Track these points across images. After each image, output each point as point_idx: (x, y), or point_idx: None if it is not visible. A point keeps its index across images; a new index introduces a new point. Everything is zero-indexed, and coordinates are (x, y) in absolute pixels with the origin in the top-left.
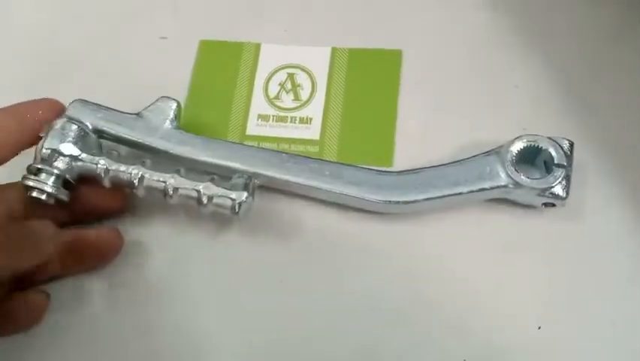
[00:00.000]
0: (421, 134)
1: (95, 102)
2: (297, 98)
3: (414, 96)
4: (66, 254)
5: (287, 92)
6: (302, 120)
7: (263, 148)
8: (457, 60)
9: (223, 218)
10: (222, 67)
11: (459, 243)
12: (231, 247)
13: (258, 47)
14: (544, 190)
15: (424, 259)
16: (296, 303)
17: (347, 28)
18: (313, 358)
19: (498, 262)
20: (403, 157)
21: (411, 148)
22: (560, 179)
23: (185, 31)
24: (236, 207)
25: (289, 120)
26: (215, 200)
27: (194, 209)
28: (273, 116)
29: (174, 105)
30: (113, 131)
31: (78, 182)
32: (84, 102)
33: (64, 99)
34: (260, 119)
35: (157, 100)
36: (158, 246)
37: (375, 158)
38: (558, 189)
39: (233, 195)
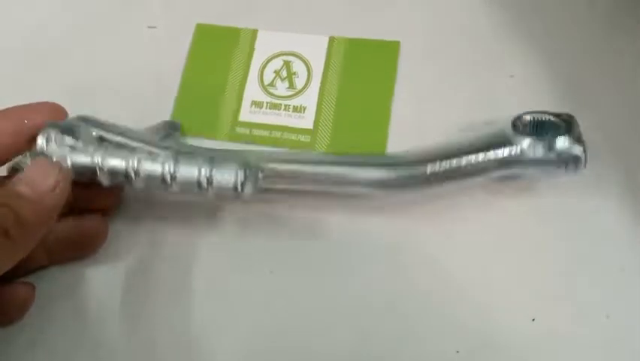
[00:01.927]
0: (415, 127)
1: (96, 118)
2: (291, 86)
3: (409, 88)
4: (53, 244)
5: (282, 80)
6: (296, 109)
7: (264, 147)
8: (453, 51)
9: (218, 211)
10: (218, 52)
11: (452, 234)
12: (223, 242)
13: (254, 33)
14: (561, 152)
15: (416, 252)
16: (288, 298)
17: (345, 17)
18: (309, 352)
19: (491, 254)
20: (396, 149)
21: (404, 141)
22: (578, 136)
23: (179, 17)
24: (239, 186)
25: (283, 108)
26: (215, 182)
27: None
28: (267, 103)
29: (178, 126)
30: (111, 137)
31: (84, 199)
32: (86, 118)
33: (50, 90)
34: (253, 106)
35: (158, 123)
36: (146, 238)
37: (368, 149)
38: (576, 150)
39: (233, 174)
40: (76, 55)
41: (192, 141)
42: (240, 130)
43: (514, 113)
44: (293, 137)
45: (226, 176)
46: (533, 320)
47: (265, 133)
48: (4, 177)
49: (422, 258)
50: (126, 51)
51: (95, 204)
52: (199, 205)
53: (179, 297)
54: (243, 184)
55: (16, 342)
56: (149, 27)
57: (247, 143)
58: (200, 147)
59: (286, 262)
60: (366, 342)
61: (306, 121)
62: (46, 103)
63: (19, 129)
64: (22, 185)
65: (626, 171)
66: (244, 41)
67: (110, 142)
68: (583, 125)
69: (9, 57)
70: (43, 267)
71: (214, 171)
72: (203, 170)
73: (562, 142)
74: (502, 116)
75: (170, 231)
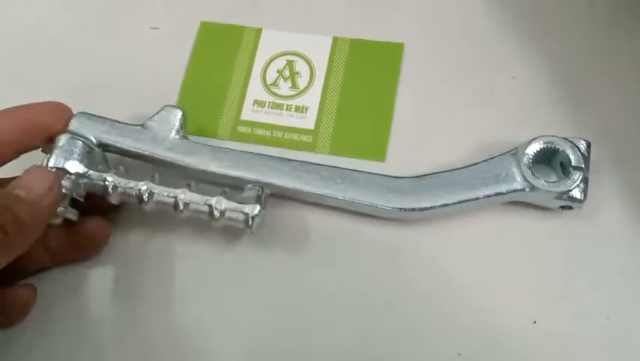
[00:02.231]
0: (417, 129)
1: (98, 115)
2: (294, 86)
3: (412, 90)
4: (55, 246)
5: (285, 80)
6: (298, 109)
7: (272, 156)
8: (455, 52)
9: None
10: (221, 50)
11: (453, 236)
12: (223, 243)
13: (259, 31)
14: (561, 194)
15: (417, 252)
16: (298, 303)
17: (349, 18)
18: (309, 352)
19: (492, 255)
20: (397, 152)
21: (405, 143)
22: (577, 182)
23: (182, 16)
24: (250, 220)
25: (285, 108)
26: (227, 214)
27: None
28: (269, 102)
29: (179, 114)
30: (118, 145)
31: (86, 199)
32: (87, 115)
33: (51, 91)
34: (255, 105)
35: (161, 109)
36: (147, 240)
37: (369, 151)
38: (576, 193)
39: (247, 209)
40: (77, 56)
41: (194, 139)
42: (241, 129)
43: (516, 114)
44: (294, 137)
45: (239, 213)
46: (534, 321)
47: (267, 133)
48: (2, 180)
49: (423, 259)
50: (127, 51)
51: (96, 206)
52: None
53: (180, 299)
54: (254, 219)
55: (16, 343)
56: (152, 28)
57: (248, 142)
58: (211, 147)
59: (286, 261)
60: (366, 343)
61: (308, 121)
62: (51, 102)
63: (19, 128)
64: (19, 189)
65: (627, 173)
66: (248, 40)
67: (113, 148)
68: (584, 126)
69: (10, 56)
70: (45, 268)
71: (226, 205)
72: (215, 203)
73: (561, 187)
74: (503, 117)
75: (172, 233)
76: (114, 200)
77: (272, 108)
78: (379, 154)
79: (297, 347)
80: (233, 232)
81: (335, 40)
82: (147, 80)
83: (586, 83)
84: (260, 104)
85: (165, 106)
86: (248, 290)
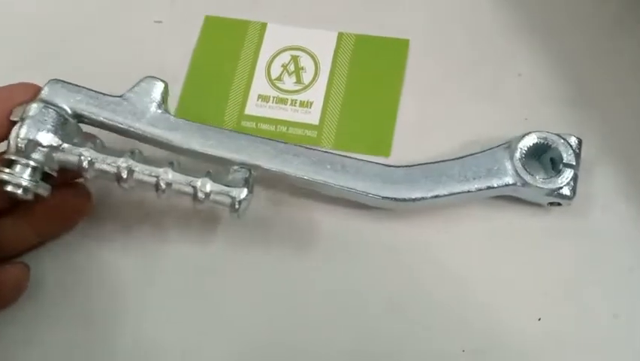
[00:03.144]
0: (422, 125)
1: (73, 83)
2: (299, 81)
3: (417, 86)
4: (39, 220)
5: (289, 75)
6: (302, 104)
7: (260, 137)
8: (461, 49)
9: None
10: (226, 44)
11: (457, 234)
12: (223, 242)
13: (264, 26)
14: (552, 191)
15: (421, 250)
16: (291, 299)
17: (354, 13)
18: (310, 351)
19: (498, 253)
20: (402, 147)
21: (410, 139)
22: (568, 180)
23: (186, 10)
24: (237, 204)
25: (289, 103)
26: (212, 197)
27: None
28: (274, 97)
29: (161, 86)
30: (94, 117)
31: (59, 173)
32: (61, 83)
33: None
34: (260, 100)
35: (141, 80)
36: (146, 239)
37: (373, 147)
38: (566, 190)
39: (233, 192)
40: (79, 49)
41: None
42: (245, 124)
43: (522, 111)
44: (299, 132)
45: (225, 196)
46: (539, 319)
47: (271, 127)
48: None
49: (427, 257)
50: (131, 45)
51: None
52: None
53: (180, 297)
54: (240, 203)
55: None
56: (156, 22)
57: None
58: (195, 123)
59: (286, 259)
60: (371, 341)
61: (313, 116)
62: (20, 83)
63: (3, 109)
64: None
65: (634, 170)
66: (253, 34)
67: (88, 119)
68: (590, 124)
69: (13, 50)
70: (33, 247)
71: (212, 188)
72: (199, 185)
73: (551, 184)
74: (508, 114)
75: (168, 233)
76: (89, 176)
77: (276, 103)
78: (384, 150)
79: (298, 346)
80: (230, 231)
81: (340, 35)
82: (150, 74)
83: (592, 81)
84: (264, 98)
85: (146, 77)
86: (247, 289)
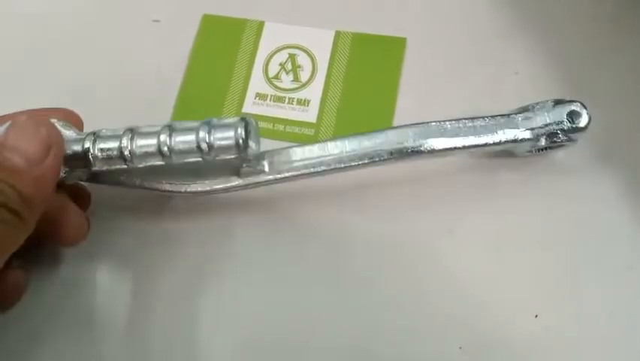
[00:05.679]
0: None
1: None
2: (296, 79)
3: (414, 84)
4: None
5: (287, 73)
6: (300, 102)
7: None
8: (458, 48)
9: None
10: (223, 43)
11: (455, 230)
12: (223, 242)
13: (261, 24)
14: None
15: (418, 247)
16: (297, 298)
17: (352, 12)
18: (310, 348)
19: (495, 250)
20: None
21: None
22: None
23: (184, 9)
24: (240, 141)
25: (287, 101)
26: (217, 144)
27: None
28: (271, 95)
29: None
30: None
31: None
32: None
33: (51, 84)
34: (257, 98)
35: None
36: (147, 238)
37: None
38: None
39: (232, 132)
40: (77, 48)
41: None
42: None
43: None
44: (296, 130)
45: (226, 133)
46: (536, 316)
47: (269, 125)
48: None
49: (424, 253)
50: (129, 44)
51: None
52: (201, 204)
53: (180, 295)
54: (244, 140)
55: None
56: (154, 20)
57: None
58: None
59: (287, 259)
60: (368, 337)
61: (310, 114)
62: (61, 109)
63: None
64: (11, 154)
65: (633, 169)
66: (250, 33)
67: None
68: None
69: (10, 49)
70: (31, 247)
71: (212, 132)
72: (201, 133)
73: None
74: (505, 112)
75: (170, 231)
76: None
77: (274, 101)
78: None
79: (297, 343)
80: (231, 229)
81: (337, 34)
82: (148, 72)
83: (589, 80)
84: (262, 97)
85: None
86: (248, 287)
